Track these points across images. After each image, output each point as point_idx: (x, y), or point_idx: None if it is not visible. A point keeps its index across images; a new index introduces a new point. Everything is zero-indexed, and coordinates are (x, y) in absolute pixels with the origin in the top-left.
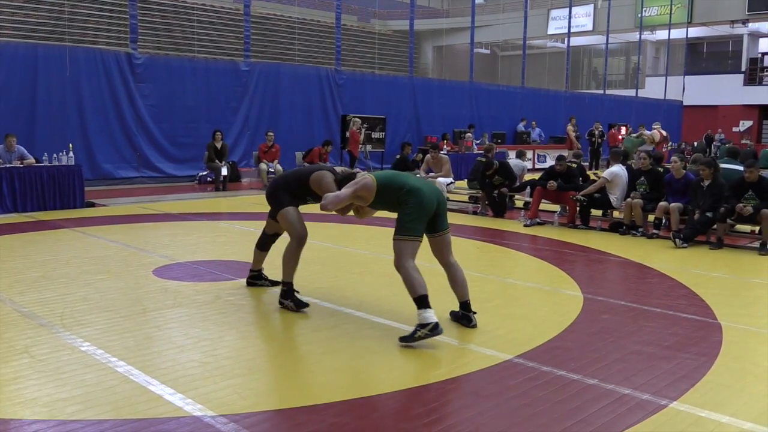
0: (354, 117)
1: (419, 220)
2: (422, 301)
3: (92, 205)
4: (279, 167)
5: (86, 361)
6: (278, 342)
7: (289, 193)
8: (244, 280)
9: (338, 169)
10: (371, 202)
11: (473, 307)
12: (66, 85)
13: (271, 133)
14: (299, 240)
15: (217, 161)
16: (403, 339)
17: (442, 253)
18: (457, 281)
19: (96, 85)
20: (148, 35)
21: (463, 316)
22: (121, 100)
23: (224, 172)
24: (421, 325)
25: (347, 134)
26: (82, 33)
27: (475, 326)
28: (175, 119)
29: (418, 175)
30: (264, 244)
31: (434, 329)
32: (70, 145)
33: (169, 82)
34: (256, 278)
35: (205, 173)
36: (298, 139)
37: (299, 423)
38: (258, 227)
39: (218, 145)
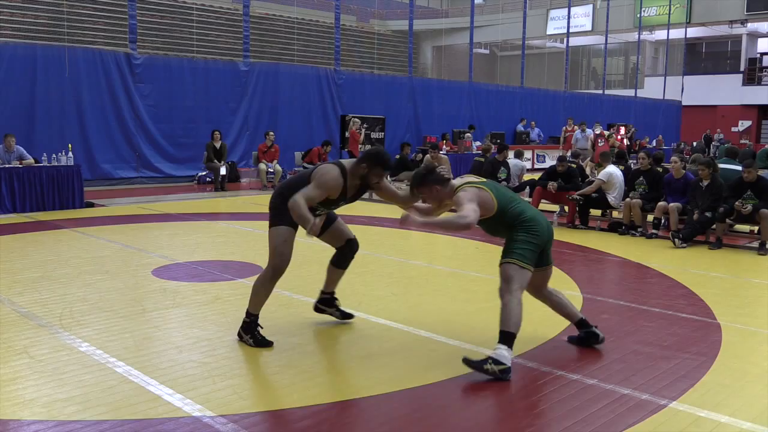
0: (353, 117)
1: (536, 249)
2: (509, 339)
3: (91, 205)
4: (278, 167)
5: (85, 362)
6: (277, 342)
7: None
8: (243, 280)
9: (345, 162)
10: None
11: (472, 308)
12: (65, 85)
13: (271, 133)
14: (275, 270)
15: (216, 161)
16: (468, 363)
17: (540, 287)
18: (563, 305)
19: (95, 85)
20: (147, 35)
21: (588, 336)
22: (120, 100)
23: (223, 172)
24: (495, 361)
25: (347, 134)
26: (80, 33)
27: (603, 340)
28: (174, 119)
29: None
30: (339, 260)
31: (505, 372)
32: (69, 146)
33: (168, 83)
34: (327, 303)
35: (204, 173)
36: (298, 139)
37: (298, 423)
38: (257, 227)
39: (217, 145)
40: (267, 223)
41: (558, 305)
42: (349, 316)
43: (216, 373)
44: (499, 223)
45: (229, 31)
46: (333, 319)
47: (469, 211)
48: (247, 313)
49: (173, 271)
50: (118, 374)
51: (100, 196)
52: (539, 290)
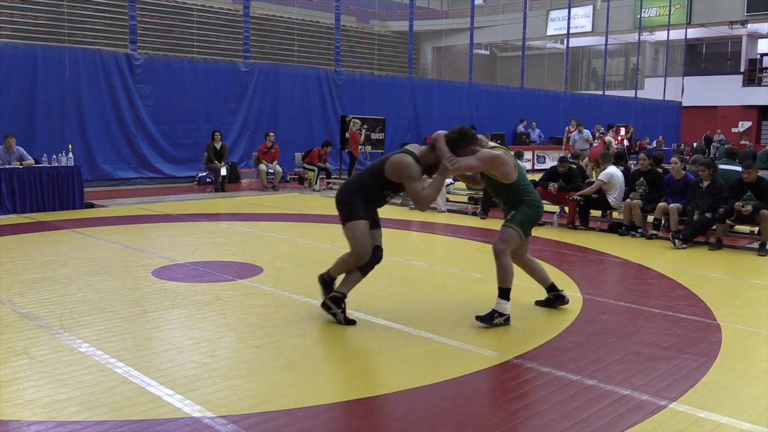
0: (354, 118)
1: (533, 224)
2: (506, 294)
3: (92, 205)
4: (279, 168)
5: (85, 362)
6: (277, 343)
7: (364, 198)
8: (243, 281)
9: (412, 147)
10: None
11: (472, 308)
12: (65, 86)
13: (271, 134)
14: (358, 258)
15: (216, 162)
16: (480, 319)
17: (521, 254)
18: (537, 270)
19: (95, 86)
20: (147, 36)
21: (555, 297)
22: (121, 101)
23: (223, 172)
24: (500, 314)
25: (347, 135)
26: (81, 34)
27: (568, 301)
28: (175, 120)
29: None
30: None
31: (507, 320)
32: (70, 146)
33: (168, 83)
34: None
35: (204, 174)
36: (298, 140)
37: (298, 424)
38: (257, 228)
39: (217, 145)
40: (267, 223)
41: (533, 271)
42: (352, 322)
43: (216, 373)
44: (508, 192)
45: (229, 31)
46: (333, 320)
47: (473, 161)
48: (338, 290)
49: (173, 271)
50: (118, 375)
51: (100, 197)
52: (520, 256)
